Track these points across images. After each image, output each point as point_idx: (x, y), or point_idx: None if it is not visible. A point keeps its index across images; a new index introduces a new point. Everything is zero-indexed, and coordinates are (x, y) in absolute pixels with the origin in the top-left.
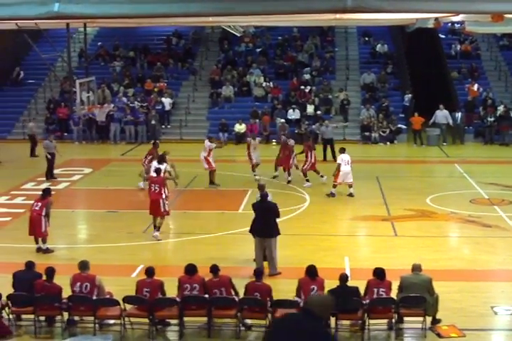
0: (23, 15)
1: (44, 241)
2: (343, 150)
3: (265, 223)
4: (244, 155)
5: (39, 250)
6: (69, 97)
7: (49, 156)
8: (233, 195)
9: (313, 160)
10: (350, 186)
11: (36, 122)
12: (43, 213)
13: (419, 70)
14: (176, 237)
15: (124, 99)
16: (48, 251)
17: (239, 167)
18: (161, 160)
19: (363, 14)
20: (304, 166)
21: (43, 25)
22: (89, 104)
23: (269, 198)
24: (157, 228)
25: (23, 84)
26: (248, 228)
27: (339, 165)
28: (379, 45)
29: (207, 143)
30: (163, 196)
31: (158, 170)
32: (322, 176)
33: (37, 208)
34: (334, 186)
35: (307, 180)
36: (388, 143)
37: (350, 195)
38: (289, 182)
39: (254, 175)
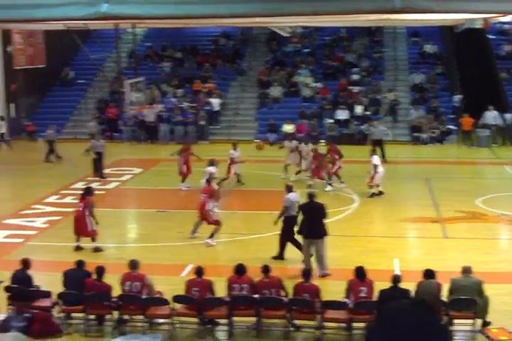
0: (71, 16)
1: (94, 240)
2: (374, 152)
3: (313, 224)
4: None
5: (78, 249)
6: (118, 97)
7: (94, 156)
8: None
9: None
10: (378, 186)
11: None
12: (86, 213)
13: (468, 71)
14: (224, 237)
15: (173, 100)
16: (97, 249)
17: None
18: (211, 163)
19: (411, 14)
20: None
21: (91, 26)
22: (139, 105)
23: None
24: (210, 234)
25: (73, 84)
26: (296, 228)
27: (376, 166)
28: (428, 46)
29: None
30: (208, 207)
31: (208, 179)
32: (330, 184)
33: (80, 208)
34: (371, 187)
35: (329, 184)
36: (438, 143)
37: (380, 193)
38: (330, 184)
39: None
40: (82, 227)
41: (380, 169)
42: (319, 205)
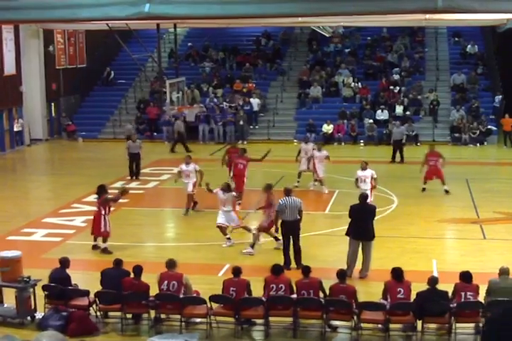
0: (113, 16)
1: (104, 241)
2: (366, 164)
3: (364, 225)
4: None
5: (95, 248)
6: (159, 97)
7: (127, 157)
8: (320, 196)
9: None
10: None
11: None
12: (103, 212)
13: (509, 71)
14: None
15: (215, 100)
16: (106, 251)
17: (325, 167)
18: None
19: (453, 14)
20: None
21: (133, 26)
22: (179, 105)
23: None
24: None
25: (114, 84)
26: (335, 229)
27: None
28: (469, 46)
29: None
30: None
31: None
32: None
33: (96, 208)
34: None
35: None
36: (478, 144)
37: None
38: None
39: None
40: (95, 226)
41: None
42: (371, 207)
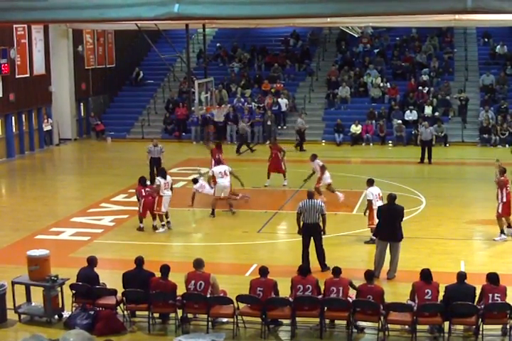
0: (142, 16)
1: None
2: (371, 183)
3: (392, 227)
4: (355, 156)
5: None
6: (187, 97)
7: (147, 162)
8: (347, 196)
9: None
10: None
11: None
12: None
13: None
14: (289, 237)
15: (242, 100)
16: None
17: (353, 168)
18: None
19: (482, 15)
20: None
21: (162, 26)
22: (208, 105)
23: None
24: None
25: (143, 84)
26: (362, 230)
27: (370, 202)
28: (498, 46)
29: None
30: None
31: None
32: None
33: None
34: (372, 229)
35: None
36: (507, 145)
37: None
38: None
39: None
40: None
41: (378, 204)
42: (399, 208)
